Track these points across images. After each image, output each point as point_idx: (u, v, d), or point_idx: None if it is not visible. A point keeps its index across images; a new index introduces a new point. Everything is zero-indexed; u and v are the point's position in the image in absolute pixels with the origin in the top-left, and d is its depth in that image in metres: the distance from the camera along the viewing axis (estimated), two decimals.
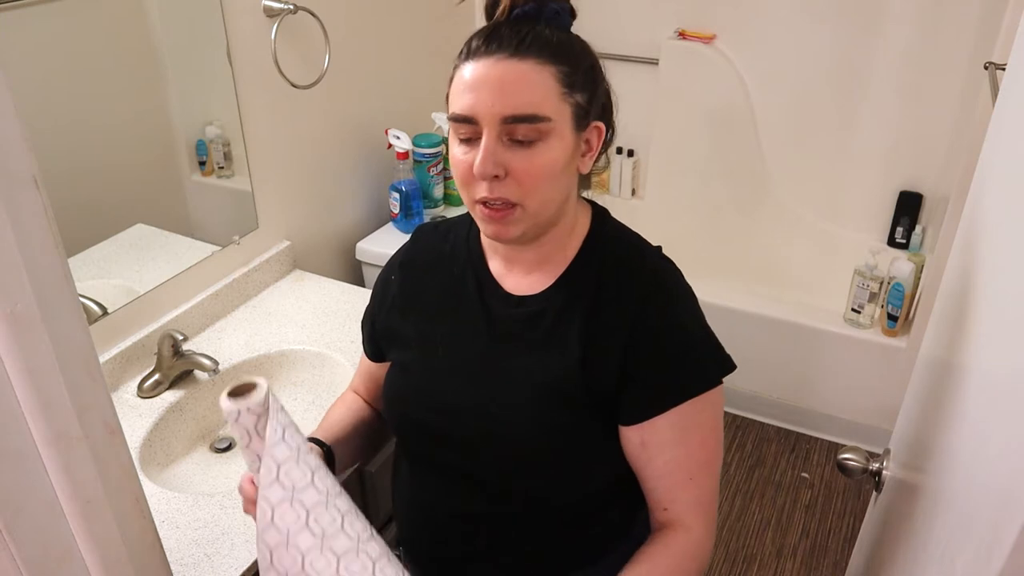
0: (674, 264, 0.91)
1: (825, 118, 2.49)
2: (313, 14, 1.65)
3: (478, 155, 0.78)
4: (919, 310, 2.11)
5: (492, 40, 0.78)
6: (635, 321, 0.84)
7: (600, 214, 0.93)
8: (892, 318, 2.17)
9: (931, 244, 2.39)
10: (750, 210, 2.69)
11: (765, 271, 2.67)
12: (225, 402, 0.76)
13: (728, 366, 0.87)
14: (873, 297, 2.19)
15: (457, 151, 0.81)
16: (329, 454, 0.95)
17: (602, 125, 0.85)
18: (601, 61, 0.87)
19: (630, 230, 0.94)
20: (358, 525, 0.78)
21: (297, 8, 1.61)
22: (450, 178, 2.09)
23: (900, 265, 2.14)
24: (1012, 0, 1.81)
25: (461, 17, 2.27)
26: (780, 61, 2.47)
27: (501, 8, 0.82)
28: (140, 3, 1.38)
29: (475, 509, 0.93)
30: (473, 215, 0.85)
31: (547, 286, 0.88)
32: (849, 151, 2.50)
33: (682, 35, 2.56)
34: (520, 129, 0.77)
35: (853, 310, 2.23)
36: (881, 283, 2.17)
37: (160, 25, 1.43)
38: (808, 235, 2.64)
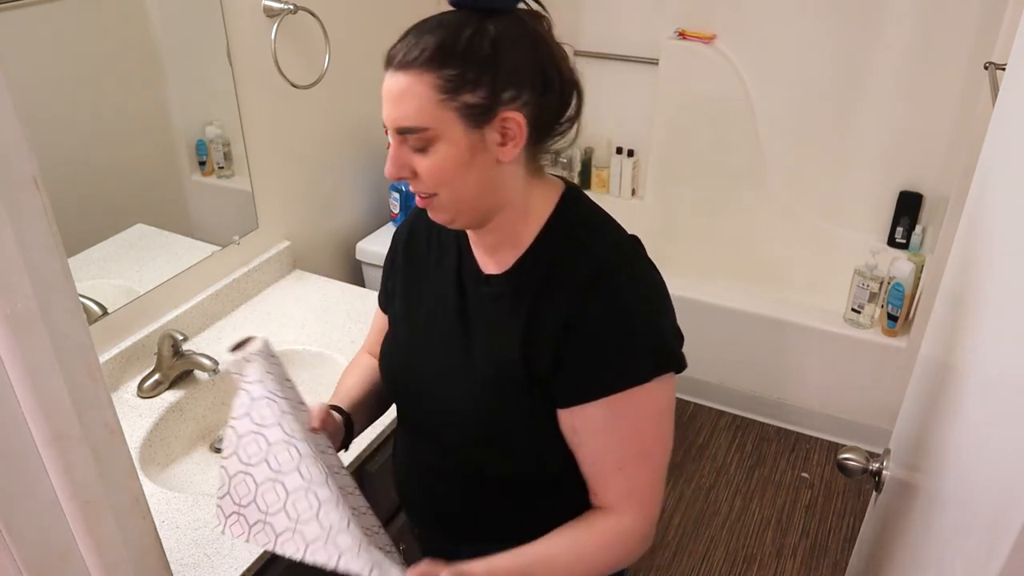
0: (642, 255, 0.89)
1: (825, 118, 2.49)
2: (313, 14, 1.65)
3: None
4: (919, 310, 2.11)
5: (393, 52, 0.82)
6: (576, 305, 0.84)
7: (570, 197, 0.91)
8: (892, 318, 2.17)
9: (931, 244, 2.39)
10: (750, 210, 2.69)
11: (765, 271, 2.67)
12: (229, 355, 0.84)
13: (670, 364, 0.85)
14: (873, 297, 2.19)
15: None
16: (348, 422, 1.00)
17: (518, 115, 0.81)
18: (558, 46, 0.85)
19: (602, 213, 0.92)
20: (314, 471, 0.83)
21: (297, 8, 1.61)
22: None
23: (900, 265, 2.14)
24: (1012, 0, 1.81)
25: None
26: (780, 61, 2.47)
27: None
28: (140, 3, 1.38)
29: (446, 473, 0.99)
30: None
31: (507, 268, 0.90)
32: (849, 151, 2.50)
33: (682, 35, 2.55)
34: (408, 138, 0.82)
35: (853, 310, 2.23)
36: (881, 283, 2.17)
37: (160, 25, 1.43)
38: (808, 235, 2.64)
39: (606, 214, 0.92)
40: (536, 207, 0.89)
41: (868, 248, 2.28)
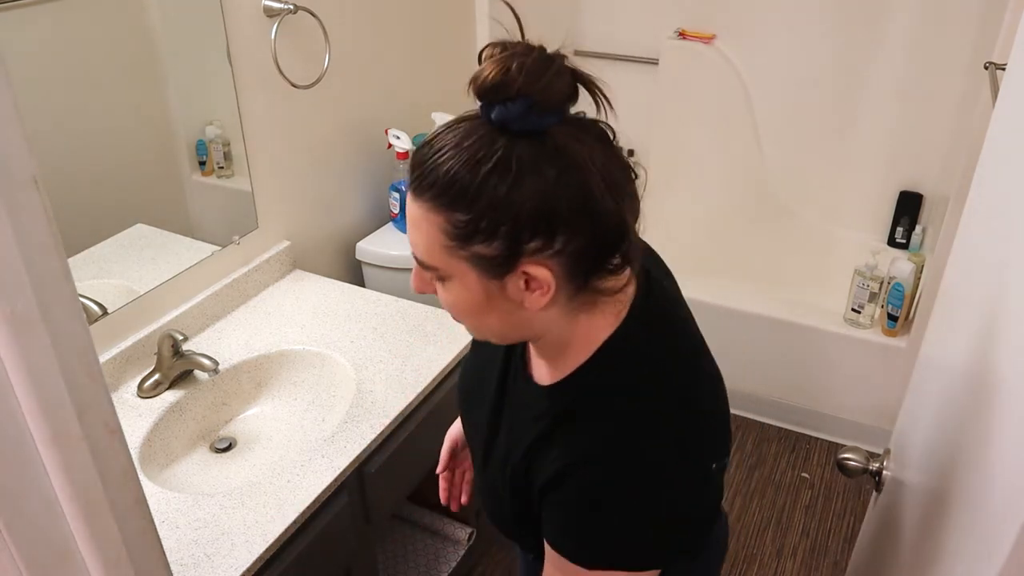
0: (681, 416, 0.77)
1: (825, 118, 2.49)
2: (313, 14, 1.65)
3: None
4: (919, 310, 2.11)
5: (415, 163, 0.71)
6: (569, 464, 0.76)
7: (628, 327, 0.79)
8: (892, 318, 2.17)
9: (931, 244, 2.39)
10: (750, 210, 2.69)
11: (765, 271, 2.66)
12: None
13: (628, 563, 0.76)
14: (873, 297, 2.19)
15: None
16: None
17: (543, 269, 0.69)
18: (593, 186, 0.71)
19: (653, 357, 0.79)
20: None
21: (297, 8, 1.61)
22: None
23: (900, 265, 2.14)
24: (1012, 0, 1.81)
25: (461, 17, 2.27)
26: (780, 61, 2.47)
27: (475, 86, 0.67)
28: (140, 3, 1.38)
29: (501, 504, 0.97)
30: None
31: (549, 383, 0.83)
32: (849, 151, 2.50)
33: (682, 35, 2.56)
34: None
35: (853, 310, 2.23)
36: (881, 283, 2.17)
37: (160, 25, 1.43)
38: (808, 235, 2.64)
39: (659, 352, 0.80)
40: (582, 337, 0.78)
41: (868, 248, 2.28)
